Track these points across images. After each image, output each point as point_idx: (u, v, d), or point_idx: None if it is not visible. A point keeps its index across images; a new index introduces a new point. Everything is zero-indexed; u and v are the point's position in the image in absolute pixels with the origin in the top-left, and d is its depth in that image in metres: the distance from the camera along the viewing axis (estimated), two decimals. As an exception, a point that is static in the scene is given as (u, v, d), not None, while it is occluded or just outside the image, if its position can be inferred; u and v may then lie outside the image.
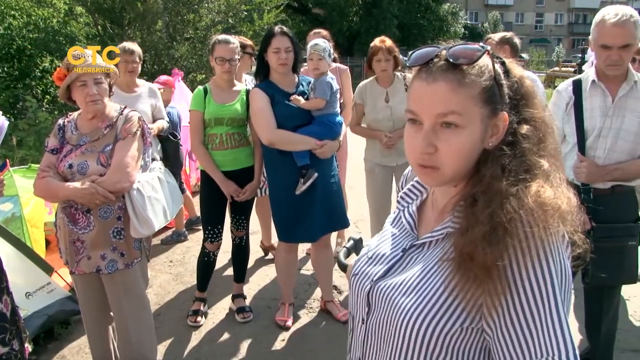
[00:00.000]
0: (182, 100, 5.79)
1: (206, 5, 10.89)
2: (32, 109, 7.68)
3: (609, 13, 2.32)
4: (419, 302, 0.98)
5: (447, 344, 0.96)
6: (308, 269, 4.33)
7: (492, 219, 0.91)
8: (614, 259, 2.44)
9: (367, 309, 1.11)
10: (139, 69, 4.12)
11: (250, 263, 4.18)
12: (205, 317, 3.65)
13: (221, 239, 3.58)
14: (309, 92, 3.24)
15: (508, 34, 3.63)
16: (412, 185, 1.22)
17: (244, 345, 3.32)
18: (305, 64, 3.55)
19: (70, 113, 2.60)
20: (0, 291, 2.36)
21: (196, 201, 4.98)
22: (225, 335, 3.45)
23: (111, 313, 2.67)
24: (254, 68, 3.67)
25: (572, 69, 20.41)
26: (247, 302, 3.78)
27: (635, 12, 2.32)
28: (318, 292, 3.90)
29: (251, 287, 4.09)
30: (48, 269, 3.38)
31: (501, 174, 0.95)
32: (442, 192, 1.09)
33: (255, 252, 4.63)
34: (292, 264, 3.59)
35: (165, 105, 4.90)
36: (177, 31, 10.85)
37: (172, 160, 4.75)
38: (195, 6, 10.84)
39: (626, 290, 3.75)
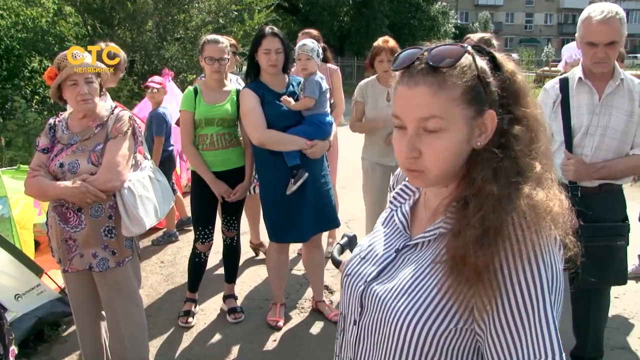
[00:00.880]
0: (173, 100, 5.76)
1: (196, 5, 10.88)
2: (21, 109, 7.61)
3: (595, 10, 2.32)
4: (412, 304, 0.98)
5: (442, 345, 0.96)
6: (299, 269, 4.33)
7: (484, 223, 0.92)
8: (602, 259, 2.41)
9: (360, 310, 1.10)
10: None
11: (242, 263, 4.18)
12: (195, 318, 3.64)
13: (212, 240, 3.57)
14: (299, 92, 3.24)
15: (487, 35, 3.61)
16: (405, 185, 1.22)
17: (236, 346, 3.32)
18: (295, 64, 3.56)
19: (61, 112, 2.60)
20: None
21: (187, 202, 4.98)
22: (217, 336, 3.44)
23: (103, 312, 2.66)
24: (244, 68, 3.67)
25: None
26: (239, 302, 3.78)
27: (620, 9, 2.34)
28: (309, 292, 3.90)
29: (242, 288, 4.08)
30: (38, 271, 3.36)
31: (492, 177, 0.94)
32: (434, 192, 1.09)
33: (246, 252, 4.63)
34: (284, 264, 3.59)
35: (157, 107, 4.89)
36: (168, 31, 10.82)
37: (164, 162, 4.75)
38: (186, 6, 10.82)
39: (616, 289, 3.76)
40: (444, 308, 0.96)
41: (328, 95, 3.35)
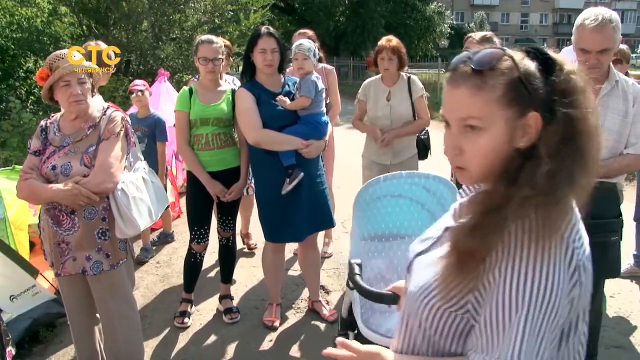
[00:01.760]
0: (168, 101, 5.75)
1: (192, 5, 10.87)
2: (16, 109, 7.59)
3: (589, 17, 2.33)
4: (427, 279, 1.09)
5: (438, 319, 1.06)
6: (295, 269, 4.33)
7: (486, 217, 0.98)
8: (596, 255, 2.45)
9: (409, 277, 1.23)
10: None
11: (237, 263, 4.18)
12: (191, 318, 3.63)
13: (208, 240, 3.56)
14: (295, 91, 3.24)
15: (488, 34, 3.68)
16: None
17: (232, 346, 3.31)
18: (291, 64, 3.56)
19: (52, 114, 2.58)
20: None
21: (182, 202, 4.96)
22: (213, 337, 3.43)
23: (97, 315, 2.65)
24: (240, 68, 3.67)
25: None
26: (235, 302, 3.77)
27: (615, 15, 2.34)
28: (305, 292, 3.90)
29: (238, 288, 4.08)
30: (33, 272, 3.34)
31: (525, 180, 0.95)
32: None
33: (243, 253, 4.62)
34: (280, 265, 3.58)
35: (147, 111, 4.73)
36: (163, 31, 10.81)
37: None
38: (181, 6, 10.80)
39: (611, 287, 3.80)
40: (442, 290, 1.04)
41: (324, 95, 3.36)
